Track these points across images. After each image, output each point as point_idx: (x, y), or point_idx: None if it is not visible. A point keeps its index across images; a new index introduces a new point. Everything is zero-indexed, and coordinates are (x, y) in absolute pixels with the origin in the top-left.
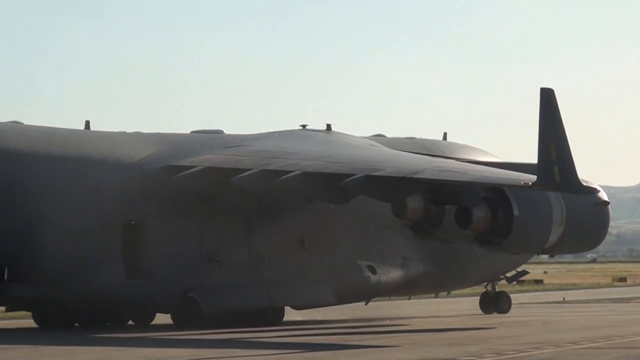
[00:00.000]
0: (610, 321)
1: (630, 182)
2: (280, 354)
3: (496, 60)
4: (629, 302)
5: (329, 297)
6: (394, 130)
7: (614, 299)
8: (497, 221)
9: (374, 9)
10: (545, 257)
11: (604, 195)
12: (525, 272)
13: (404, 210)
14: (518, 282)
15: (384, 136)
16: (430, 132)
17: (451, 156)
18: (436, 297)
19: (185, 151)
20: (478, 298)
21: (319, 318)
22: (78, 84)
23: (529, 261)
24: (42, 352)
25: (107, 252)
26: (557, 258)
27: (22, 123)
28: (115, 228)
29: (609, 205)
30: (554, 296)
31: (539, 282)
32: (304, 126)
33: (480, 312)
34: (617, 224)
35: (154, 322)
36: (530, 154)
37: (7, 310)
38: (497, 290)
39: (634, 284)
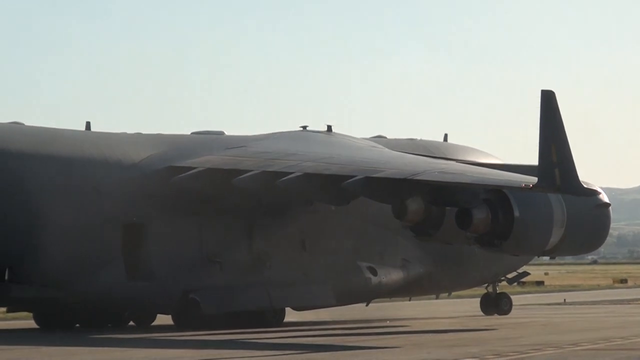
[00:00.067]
0: (611, 323)
1: (631, 184)
2: (280, 355)
3: (497, 62)
4: (629, 304)
5: (329, 298)
6: (395, 131)
7: (614, 301)
8: (497, 223)
9: (374, 10)
10: (546, 258)
11: (604, 197)
12: (526, 274)
13: (404, 212)
14: (519, 283)
15: (385, 137)
16: (430, 134)
17: (452, 157)
18: (437, 298)
19: (186, 152)
20: (479, 299)
21: (319, 319)
22: (79, 85)
23: (530, 262)
24: (43, 353)
25: (108, 253)
26: (557, 259)
27: (23, 124)
28: (116, 229)
29: (610, 207)
30: (554, 297)
31: (539, 283)
32: (304, 127)
33: (481, 313)
34: (618, 225)
35: (155, 323)
36: (531, 156)
37: (8, 311)
38: (497, 291)
39: (635, 286)
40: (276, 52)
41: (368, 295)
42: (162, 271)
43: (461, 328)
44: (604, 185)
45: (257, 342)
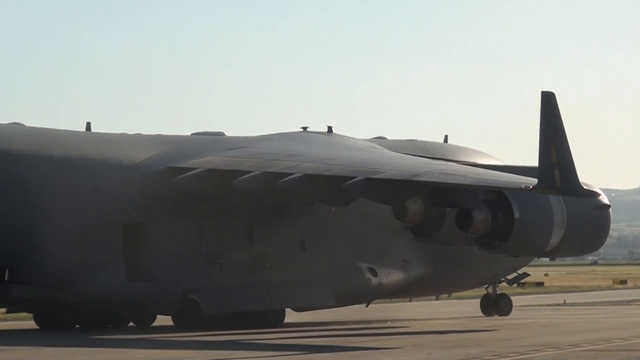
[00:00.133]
0: (611, 324)
1: (631, 185)
2: (280, 356)
3: (497, 63)
4: (629, 305)
5: (329, 299)
6: (395, 132)
7: (614, 302)
8: (497, 224)
9: (375, 11)
10: (546, 259)
11: (604, 199)
12: (526, 275)
13: (404, 213)
14: (519, 284)
15: (385, 138)
16: (431, 135)
17: (452, 159)
18: (437, 299)
19: (186, 153)
20: (479, 300)
21: (320, 320)
22: (79, 86)
23: (530, 263)
24: (43, 354)
25: (108, 254)
26: (558, 260)
27: (23, 124)
28: (116, 229)
29: (610, 208)
30: (554, 298)
31: (539, 284)
32: (305, 128)
33: (481, 314)
34: (618, 226)
35: (155, 323)
36: (531, 157)
37: (8, 312)
38: (498, 292)
39: (635, 287)
40: (277, 53)
41: (368, 296)
42: (162, 272)
43: (461, 329)
44: (604, 187)
45: (257, 343)
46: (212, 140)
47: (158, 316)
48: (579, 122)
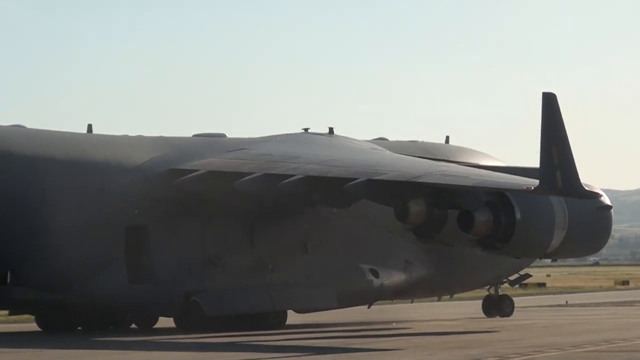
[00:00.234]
0: (613, 324)
1: (633, 186)
2: (282, 358)
3: (498, 64)
4: (631, 306)
5: (331, 300)
6: (396, 133)
7: (616, 302)
8: (499, 225)
9: (376, 12)
10: (547, 260)
11: (606, 200)
12: (527, 276)
13: (406, 214)
14: (520, 285)
15: (386, 139)
16: (432, 136)
17: (453, 160)
18: (439, 300)
19: (187, 155)
20: (481, 301)
21: (321, 321)
22: (80, 88)
23: (532, 264)
24: (45, 356)
25: (110, 256)
26: (559, 261)
27: (24, 127)
28: (118, 231)
29: (612, 209)
30: (556, 299)
31: (541, 285)
32: (306, 130)
33: (483, 315)
34: (620, 227)
35: (157, 325)
36: (532, 158)
37: (10, 314)
38: (499, 293)
39: (637, 287)
40: (278, 54)
41: (370, 297)
42: (164, 273)
43: (463, 330)
44: (606, 187)
45: (259, 345)
46: (213, 142)
47: (160, 318)
48: (580, 123)
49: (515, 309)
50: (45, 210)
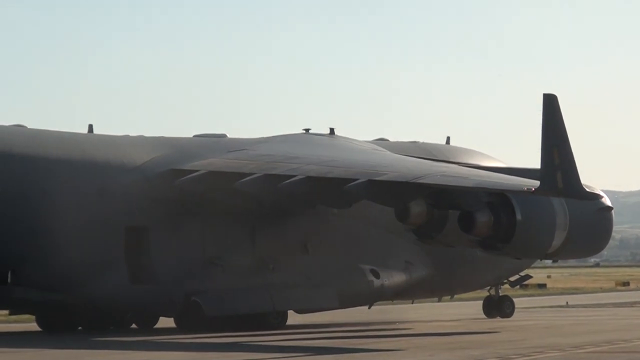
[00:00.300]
0: (613, 325)
1: (634, 187)
2: (283, 358)
3: (499, 64)
4: (632, 307)
5: (332, 301)
6: (397, 134)
7: (617, 303)
8: (500, 226)
9: (377, 12)
10: (548, 261)
11: (607, 201)
12: (528, 277)
13: (407, 215)
14: (521, 286)
15: (387, 140)
16: (433, 136)
17: (454, 160)
18: (439, 301)
19: (188, 155)
20: (481, 302)
21: (322, 322)
22: (81, 88)
23: (532, 265)
24: (46, 356)
25: (111, 256)
26: (560, 262)
27: (25, 126)
28: (119, 232)
29: (612, 210)
30: (557, 300)
31: (542, 286)
32: (307, 130)
33: (484, 316)
34: (621, 228)
35: (157, 325)
36: (533, 159)
37: (11, 314)
38: (500, 294)
39: (637, 288)
40: (278, 54)
41: (371, 297)
42: (164, 274)
43: (464, 331)
44: (607, 189)
45: (259, 345)
46: (214, 142)
47: (160, 318)
48: (581, 124)
49: (515, 310)
50: (45, 210)
